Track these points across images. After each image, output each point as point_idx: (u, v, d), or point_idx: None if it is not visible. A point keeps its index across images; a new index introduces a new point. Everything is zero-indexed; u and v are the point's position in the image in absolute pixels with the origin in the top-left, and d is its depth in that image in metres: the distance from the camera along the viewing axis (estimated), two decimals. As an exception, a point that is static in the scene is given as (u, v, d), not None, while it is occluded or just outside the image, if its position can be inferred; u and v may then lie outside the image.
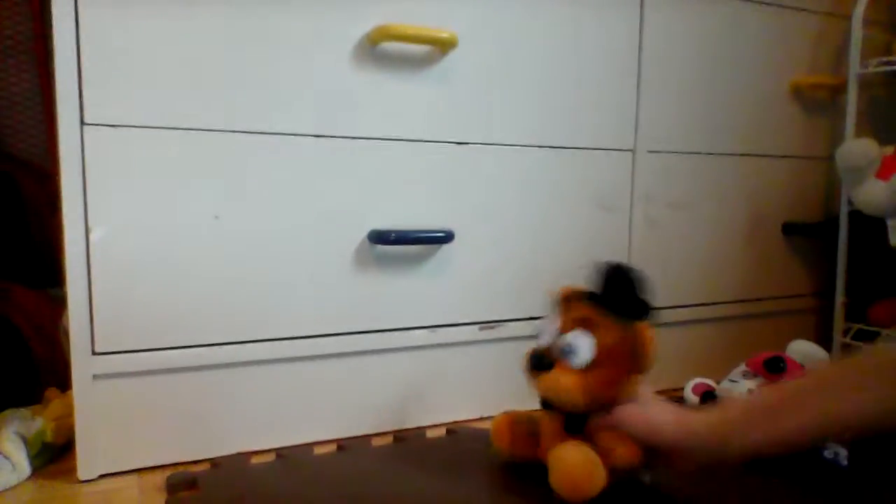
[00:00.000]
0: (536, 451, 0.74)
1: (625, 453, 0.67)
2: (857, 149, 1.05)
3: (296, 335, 0.84)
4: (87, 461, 0.76)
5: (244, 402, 0.83)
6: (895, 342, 0.58)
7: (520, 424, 0.76)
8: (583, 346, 0.67)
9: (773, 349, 0.92)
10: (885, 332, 1.13)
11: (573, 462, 0.66)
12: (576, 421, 0.70)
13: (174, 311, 0.78)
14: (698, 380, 0.99)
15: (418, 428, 0.92)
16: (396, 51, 0.86)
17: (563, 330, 0.69)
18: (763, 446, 0.61)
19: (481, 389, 0.97)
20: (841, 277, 1.17)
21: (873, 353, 0.60)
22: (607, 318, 0.69)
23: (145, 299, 0.76)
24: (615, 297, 0.69)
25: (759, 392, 0.70)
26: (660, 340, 1.11)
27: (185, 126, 0.76)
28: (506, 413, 0.78)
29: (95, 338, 0.74)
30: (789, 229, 1.21)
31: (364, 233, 0.86)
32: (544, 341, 0.71)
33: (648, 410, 0.67)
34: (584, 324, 0.68)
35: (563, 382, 0.67)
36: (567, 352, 0.67)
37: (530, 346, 0.72)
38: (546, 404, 0.73)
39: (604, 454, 0.67)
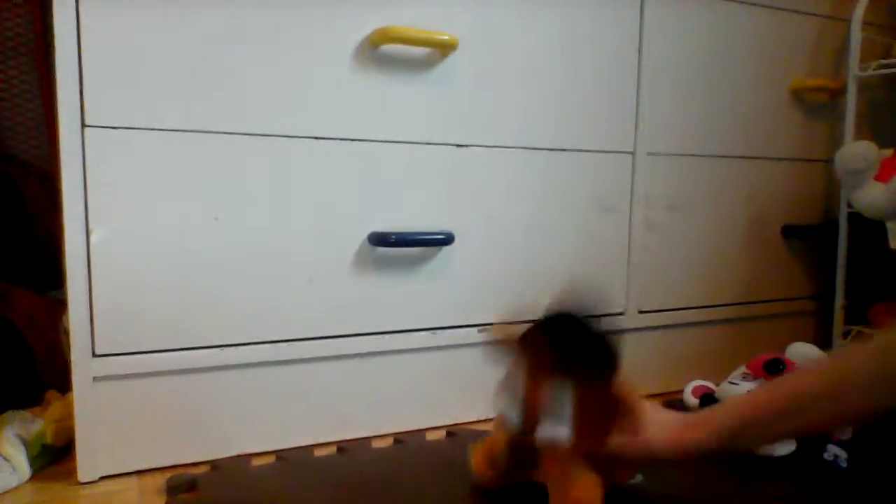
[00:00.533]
0: (527, 473, 0.69)
1: (621, 472, 0.68)
2: (857, 151, 1.05)
3: (296, 337, 0.84)
4: (87, 463, 0.76)
5: (244, 404, 0.83)
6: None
7: (500, 451, 0.70)
8: (563, 433, 0.61)
9: (773, 351, 0.92)
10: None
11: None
12: None
13: (174, 313, 0.78)
14: (698, 382, 0.99)
15: (418, 430, 0.93)
16: (397, 53, 0.86)
17: (531, 401, 0.63)
18: (758, 445, 0.69)
19: (481, 391, 0.97)
20: (840, 280, 1.18)
21: (865, 342, 0.61)
22: (575, 377, 0.61)
23: (145, 301, 0.76)
24: (575, 345, 0.61)
25: (751, 396, 0.70)
26: (659, 342, 1.12)
27: (185, 128, 0.76)
28: (481, 443, 0.73)
29: (96, 340, 0.74)
30: (789, 232, 1.22)
31: (364, 235, 0.86)
32: (513, 420, 0.64)
33: (646, 435, 0.66)
34: (554, 391, 0.61)
35: (576, 495, 0.61)
36: (550, 442, 0.62)
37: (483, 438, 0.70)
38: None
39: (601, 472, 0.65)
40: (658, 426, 0.66)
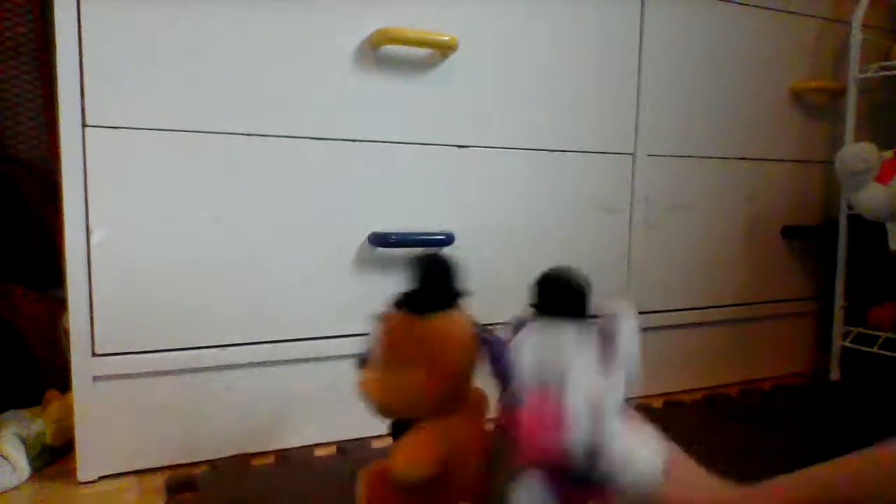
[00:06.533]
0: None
1: None
2: (857, 153, 1.05)
3: (296, 337, 0.84)
4: (87, 463, 0.76)
5: (244, 404, 0.83)
6: None
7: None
8: (368, 339, 0.61)
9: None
10: (883, 335, 1.13)
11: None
12: (398, 428, 0.62)
13: (174, 313, 0.78)
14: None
15: (418, 430, 0.92)
16: (397, 54, 0.86)
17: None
18: None
19: (481, 392, 0.97)
20: (840, 281, 1.18)
21: None
22: (396, 312, 0.62)
23: (145, 301, 0.76)
24: (421, 288, 0.63)
25: (827, 471, 0.63)
26: (659, 342, 1.12)
27: (185, 128, 0.76)
28: (368, 471, 0.64)
29: (95, 339, 0.74)
30: (789, 233, 1.22)
31: (365, 235, 0.86)
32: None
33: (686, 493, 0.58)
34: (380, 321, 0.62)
35: (363, 382, 0.60)
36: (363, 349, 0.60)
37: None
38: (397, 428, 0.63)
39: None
40: (700, 487, 0.58)
